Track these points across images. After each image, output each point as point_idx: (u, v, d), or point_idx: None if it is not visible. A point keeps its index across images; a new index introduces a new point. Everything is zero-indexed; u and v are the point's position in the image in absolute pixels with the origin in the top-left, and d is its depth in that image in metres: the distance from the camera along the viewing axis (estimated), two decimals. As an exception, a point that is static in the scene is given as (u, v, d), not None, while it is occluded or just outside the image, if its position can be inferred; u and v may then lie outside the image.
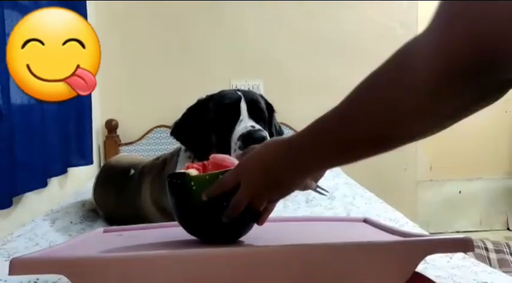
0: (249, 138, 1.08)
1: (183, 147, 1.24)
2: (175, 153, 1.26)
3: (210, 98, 1.22)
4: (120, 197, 1.36)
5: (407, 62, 0.48)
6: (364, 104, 0.53)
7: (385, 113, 0.50)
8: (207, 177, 0.66)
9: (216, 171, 0.67)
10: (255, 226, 0.70)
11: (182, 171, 0.68)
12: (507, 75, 0.43)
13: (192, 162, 1.05)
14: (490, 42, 0.41)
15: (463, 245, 0.60)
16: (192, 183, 0.66)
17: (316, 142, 0.57)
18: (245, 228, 0.70)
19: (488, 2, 0.40)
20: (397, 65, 0.49)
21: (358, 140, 0.54)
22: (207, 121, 1.18)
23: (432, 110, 0.47)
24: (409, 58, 0.48)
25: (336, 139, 0.55)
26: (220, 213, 0.64)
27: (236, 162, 0.71)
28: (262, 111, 1.20)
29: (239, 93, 1.19)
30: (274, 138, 0.66)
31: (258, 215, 0.68)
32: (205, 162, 0.72)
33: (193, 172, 0.68)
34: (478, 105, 0.47)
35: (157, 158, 1.37)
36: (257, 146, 0.67)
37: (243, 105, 1.16)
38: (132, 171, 1.36)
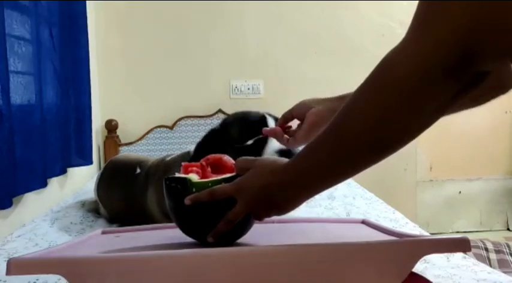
0: (288, 154, 1.02)
1: (192, 153, 1.21)
2: (186, 157, 1.22)
3: (233, 120, 1.18)
4: (125, 195, 1.35)
5: (390, 68, 0.50)
6: (354, 113, 0.54)
7: (374, 119, 0.51)
8: (210, 184, 0.65)
9: (219, 178, 0.67)
10: (254, 226, 0.70)
11: (182, 176, 0.68)
12: (483, 68, 0.47)
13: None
14: (466, 39, 0.44)
15: (460, 245, 0.60)
16: (194, 190, 0.65)
17: (311, 161, 0.59)
18: (243, 230, 0.69)
19: (465, 1, 0.43)
20: (381, 72, 0.51)
21: (351, 150, 0.55)
22: (231, 140, 1.13)
23: (418, 109, 0.49)
24: (391, 62, 0.50)
25: (329, 154, 0.57)
26: (219, 217, 0.64)
27: (232, 160, 0.71)
28: None
29: (261, 112, 1.17)
30: (274, 159, 0.66)
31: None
32: (203, 161, 0.72)
33: (194, 177, 0.67)
34: (460, 97, 0.49)
35: (164, 158, 1.35)
36: (256, 160, 0.67)
37: (271, 122, 1.12)
38: (138, 170, 1.35)
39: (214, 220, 0.64)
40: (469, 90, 0.48)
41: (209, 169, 0.71)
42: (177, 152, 1.35)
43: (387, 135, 0.52)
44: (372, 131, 0.52)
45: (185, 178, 0.66)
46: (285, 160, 0.64)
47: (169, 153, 2.30)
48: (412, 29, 0.48)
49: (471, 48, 0.44)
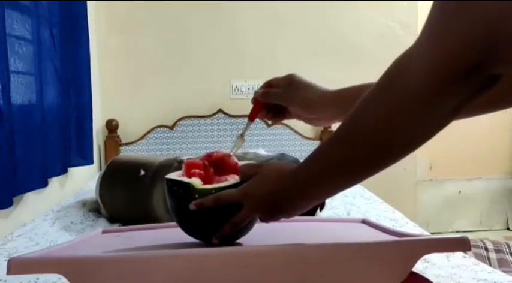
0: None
1: None
2: None
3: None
4: (128, 197, 1.35)
5: (401, 72, 0.49)
6: (363, 118, 0.53)
7: (384, 124, 0.51)
8: (213, 191, 0.65)
9: (222, 186, 0.66)
10: (254, 226, 0.70)
11: (185, 180, 0.67)
12: (497, 71, 0.46)
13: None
14: (482, 42, 0.43)
15: (460, 245, 0.60)
16: (197, 196, 0.65)
17: (319, 167, 0.58)
18: (246, 230, 0.69)
19: (481, 2, 0.42)
20: (393, 76, 0.50)
21: (360, 156, 0.54)
22: None
23: (430, 113, 0.49)
24: (403, 66, 0.49)
25: (337, 160, 0.56)
26: (221, 223, 0.64)
27: (236, 159, 0.71)
28: None
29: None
30: (280, 165, 0.66)
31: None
32: (205, 161, 0.71)
33: (197, 182, 0.67)
34: (471, 100, 0.48)
35: (176, 158, 1.34)
36: (262, 166, 0.67)
37: None
38: (142, 172, 1.34)
39: (218, 222, 0.64)
40: (482, 93, 0.47)
41: (212, 170, 0.70)
42: (191, 152, 1.34)
43: (398, 139, 0.52)
44: (383, 135, 0.51)
45: (188, 184, 0.66)
46: (291, 165, 0.64)
47: (169, 153, 2.33)
48: (426, 32, 0.47)
49: (487, 53, 0.43)
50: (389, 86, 0.51)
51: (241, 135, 0.79)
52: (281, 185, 0.61)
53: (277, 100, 0.81)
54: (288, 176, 0.62)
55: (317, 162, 0.59)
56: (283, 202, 0.62)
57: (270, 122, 2.41)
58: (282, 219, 0.84)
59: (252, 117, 0.83)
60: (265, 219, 0.66)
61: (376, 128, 0.52)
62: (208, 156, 0.72)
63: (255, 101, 0.82)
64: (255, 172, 0.65)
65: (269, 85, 0.82)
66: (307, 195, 0.61)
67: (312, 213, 1.15)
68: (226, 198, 0.64)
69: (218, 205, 0.64)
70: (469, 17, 0.43)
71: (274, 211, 0.64)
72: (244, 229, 0.68)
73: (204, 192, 0.65)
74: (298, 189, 0.61)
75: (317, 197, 0.62)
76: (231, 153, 0.74)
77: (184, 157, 1.33)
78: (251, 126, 0.84)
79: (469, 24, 0.43)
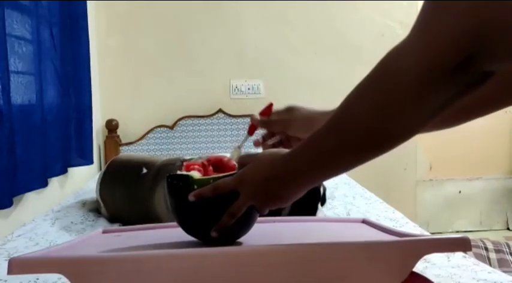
0: None
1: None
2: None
3: None
4: (129, 195, 1.35)
5: (392, 65, 0.50)
6: (354, 108, 0.54)
7: (374, 115, 0.52)
8: (211, 181, 0.66)
9: (220, 175, 0.67)
10: (255, 226, 0.70)
11: (184, 173, 0.68)
12: (486, 68, 0.46)
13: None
14: (471, 38, 0.44)
15: (460, 245, 0.60)
16: (196, 187, 0.65)
17: (312, 152, 0.59)
18: (244, 229, 0.70)
19: (471, 1, 0.43)
20: (384, 69, 0.51)
21: (351, 144, 0.55)
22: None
23: (418, 105, 0.49)
24: (394, 58, 0.50)
25: (330, 146, 0.57)
26: (220, 216, 0.64)
27: (233, 162, 0.72)
28: None
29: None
30: (274, 152, 0.67)
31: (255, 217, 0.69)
32: (205, 161, 0.72)
33: (196, 174, 0.67)
34: (460, 97, 0.49)
35: (177, 159, 1.35)
36: (257, 155, 0.67)
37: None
38: (144, 170, 1.35)
39: (216, 216, 0.64)
40: (472, 90, 0.48)
41: (211, 168, 0.71)
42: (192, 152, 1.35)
43: (387, 129, 0.52)
44: (371, 125, 0.52)
45: (187, 176, 0.66)
46: (284, 151, 0.65)
47: (170, 153, 2.33)
48: (416, 26, 0.48)
49: (475, 49, 0.44)
50: (380, 78, 0.52)
51: (239, 147, 0.81)
52: (275, 170, 0.62)
53: (277, 127, 0.83)
54: (281, 162, 0.63)
55: (309, 148, 0.60)
56: (278, 187, 0.63)
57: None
58: (282, 219, 0.85)
59: (251, 132, 0.85)
60: (262, 207, 0.66)
61: (365, 118, 0.53)
62: (208, 160, 0.73)
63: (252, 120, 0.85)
64: (250, 161, 0.66)
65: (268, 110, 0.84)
66: (301, 180, 0.62)
67: (313, 210, 1.15)
68: (223, 186, 0.64)
69: (216, 196, 0.64)
70: (458, 13, 0.44)
71: (269, 197, 0.64)
72: (245, 226, 0.69)
73: (202, 182, 0.66)
74: (291, 173, 0.61)
75: (310, 182, 0.63)
76: (230, 157, 0.75)
77: (188, 157, 1.33)
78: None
79: (459, 20, 0.44)
